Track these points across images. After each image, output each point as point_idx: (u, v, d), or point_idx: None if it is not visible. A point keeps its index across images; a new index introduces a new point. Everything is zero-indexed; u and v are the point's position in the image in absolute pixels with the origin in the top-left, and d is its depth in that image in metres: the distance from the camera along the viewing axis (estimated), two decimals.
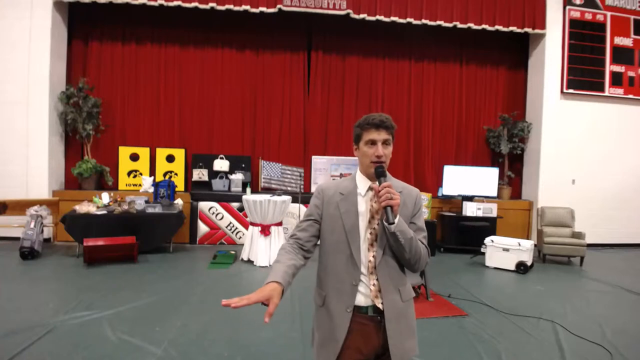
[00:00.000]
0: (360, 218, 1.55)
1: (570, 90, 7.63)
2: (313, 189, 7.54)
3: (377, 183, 1.53)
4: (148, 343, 3.11)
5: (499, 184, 7.44)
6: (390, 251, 1.53)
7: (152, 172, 7.21)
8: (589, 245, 6.46)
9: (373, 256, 1.53)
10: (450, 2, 7.17)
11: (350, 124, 7.77)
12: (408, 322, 1.59)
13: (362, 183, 1.60)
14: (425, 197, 6.84)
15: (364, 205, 1.57)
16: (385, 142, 1.53)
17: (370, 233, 1.54)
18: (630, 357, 3.17)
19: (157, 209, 5.99)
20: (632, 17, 7.71)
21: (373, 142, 1.52)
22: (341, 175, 6.90)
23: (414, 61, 7.98)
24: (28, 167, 6.52)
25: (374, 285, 1.52)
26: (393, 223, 1.43)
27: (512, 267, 5.74)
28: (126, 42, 7.31)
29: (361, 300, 1.53)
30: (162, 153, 7.23)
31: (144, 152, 7.21)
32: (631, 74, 7.76)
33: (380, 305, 1.52)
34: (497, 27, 7.32)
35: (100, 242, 5.32)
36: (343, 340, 1.50)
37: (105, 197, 6.18)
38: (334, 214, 1.56)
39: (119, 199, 6.12)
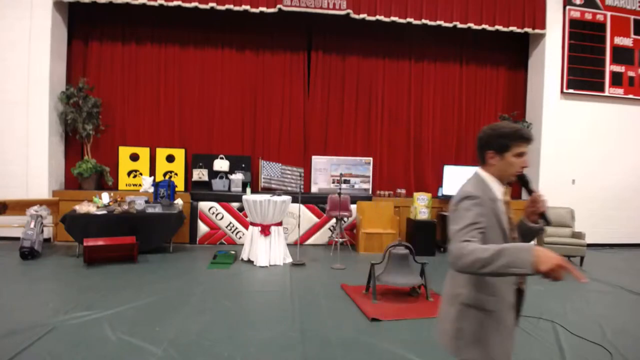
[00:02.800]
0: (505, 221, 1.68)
1: (570, 90, 7.63)
2: (313, 188, 7.54)
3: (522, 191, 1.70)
4: (148, 343, 3.11)
5: None
6: None
7: (152, 172, 7.21)
8: (589, 245, 6.45)
9: None
10: (450, 2, 7.17)
11: (350, 124, 7.79)
12: None
13: (497, 188, 1.71)
14: (425, 197, 6.83)
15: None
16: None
17: (515, 233, 1.72)
18: (630, 357, 3.18)
19: (157, 209, 5.99)
20: (632, 17, 7.71)
21: (521, 154, 1.66)
22: (341, 175, 6.84)
23: (414, 61, 7.98)
24: (28, 167, 6.52)
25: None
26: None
27: None
28: (126, 42, 7.31)
29: None
30: (162, 153, 7.23)
31: (144, 152, 7.21)
32: (631, 74, 7.76)
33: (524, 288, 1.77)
34: (497, 27, 7.32)
35: (100, 242, 5.32)
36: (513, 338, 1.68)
37: (105, 197, 6.18)
38: (493, 220, 1.62)
39: (119, 199, 6.12)
